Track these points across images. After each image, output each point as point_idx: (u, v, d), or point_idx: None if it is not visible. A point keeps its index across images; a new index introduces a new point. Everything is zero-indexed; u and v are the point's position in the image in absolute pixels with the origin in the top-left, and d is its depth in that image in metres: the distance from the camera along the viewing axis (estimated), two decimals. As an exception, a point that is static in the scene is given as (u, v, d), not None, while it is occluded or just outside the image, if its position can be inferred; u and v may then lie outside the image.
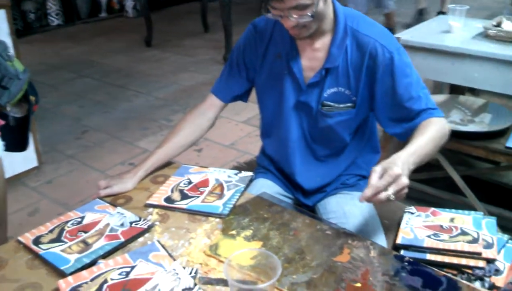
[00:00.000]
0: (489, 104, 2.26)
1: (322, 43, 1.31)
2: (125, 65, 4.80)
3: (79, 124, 3.62)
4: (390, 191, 1.01)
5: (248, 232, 1.14)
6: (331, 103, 1.33)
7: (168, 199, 1.26)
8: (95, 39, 5.73)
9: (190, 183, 1.34)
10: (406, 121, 1.29)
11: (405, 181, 1.02)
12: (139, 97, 4.08)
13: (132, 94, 4.16)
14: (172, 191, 1.30)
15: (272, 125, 1.48)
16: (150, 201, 1.25)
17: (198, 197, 1.27)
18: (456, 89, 2.67)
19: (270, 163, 1.54)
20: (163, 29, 5.87)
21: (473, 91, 2.80)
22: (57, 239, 1.13)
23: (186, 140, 1.45)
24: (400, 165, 1.04)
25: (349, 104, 1.33)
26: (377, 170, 1.03)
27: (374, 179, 1.02)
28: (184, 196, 1.28)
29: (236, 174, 1.39)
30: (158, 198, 1.27)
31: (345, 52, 1.29)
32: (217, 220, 1.20)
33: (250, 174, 1.39)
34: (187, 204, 1.24)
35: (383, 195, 1.01)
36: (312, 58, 1.33)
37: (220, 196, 1.28)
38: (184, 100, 3.98)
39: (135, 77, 4.51)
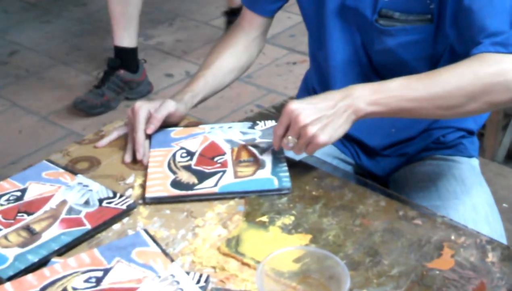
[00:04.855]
0: None
1: None
2: None
3: (4, 40, 3.62)
4: (291, 142, 1.18)
5: (288, 219, 1.14)
6: (395, 14, 1.30)
7: (178, 184, 1.22)
8: None
9: (189, 153, 1.31)
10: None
11: (310, 131, 1.13)
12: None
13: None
14: (172, 171, 1.26)
15: (314, 42, 1.50)
16: (152, 194, 1.20)
17: (223, 171, 1.25)
18: None
19: None
20: None
21: None
22: (-15, 224, 1.14)
23: (236, 64, 1.53)
24: (317, 109, 1.15)
25: (424, 16, 1.29)
26: (284, 111, 1.17)
27: (278, 124, 1.19)
28: (200, 175, 1.24)
29: (251, 127, 1.37)
30: (159, 186, 1.22)
31: None
32: (236, 199, 1.19)
33: (274, 123, 1.36)
34: (215, 185, 1.22)
35: (284, 144, 1.19)
36: None
37: (257, 163, 1.27)
38: (168, 3, 3.93)
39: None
